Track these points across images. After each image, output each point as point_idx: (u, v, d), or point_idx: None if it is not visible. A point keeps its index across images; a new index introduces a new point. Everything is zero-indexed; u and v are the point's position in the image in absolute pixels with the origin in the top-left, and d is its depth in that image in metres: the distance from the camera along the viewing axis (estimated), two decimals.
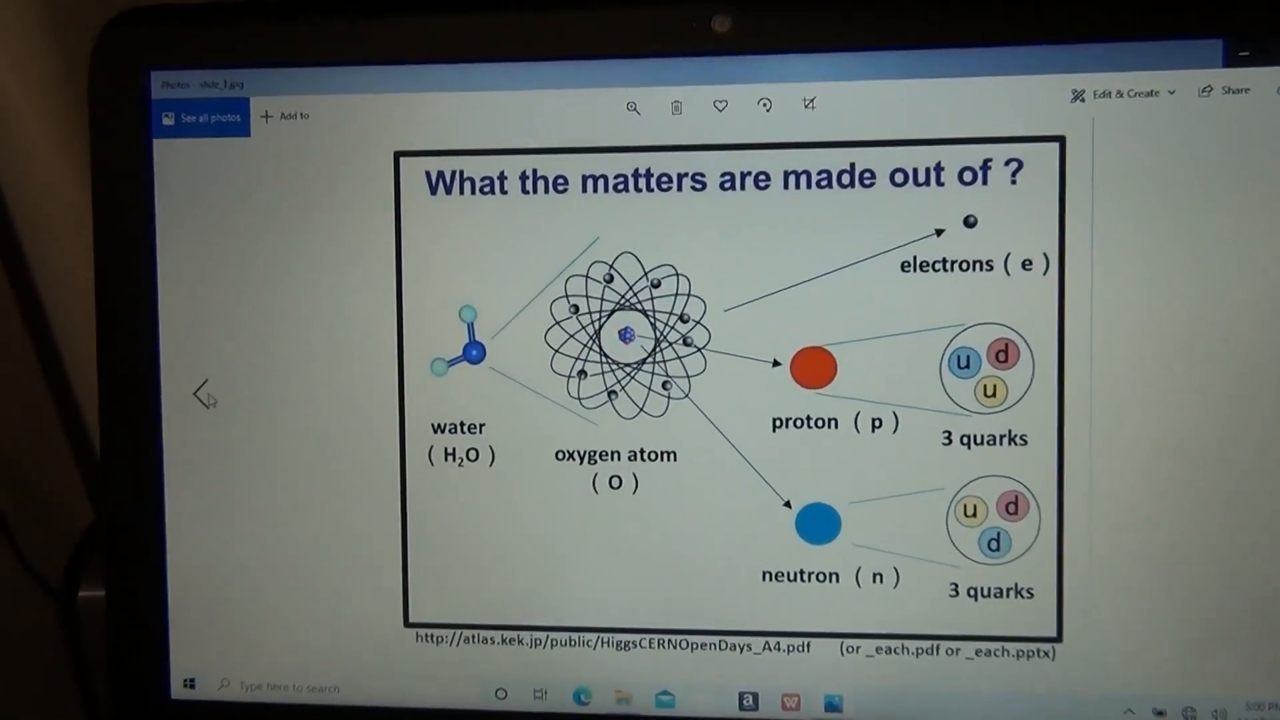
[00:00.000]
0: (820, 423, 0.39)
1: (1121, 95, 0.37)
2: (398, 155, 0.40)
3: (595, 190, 0.39)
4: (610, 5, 0.39)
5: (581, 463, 0.40)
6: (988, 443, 0.38)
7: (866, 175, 0.38)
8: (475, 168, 0.40)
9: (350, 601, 0.41)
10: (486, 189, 0.40)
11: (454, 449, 0.40)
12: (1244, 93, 0.37)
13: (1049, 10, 0.37)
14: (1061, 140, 0.38)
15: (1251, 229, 0.37)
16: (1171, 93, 0.37)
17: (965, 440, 0.39)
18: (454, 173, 0.40)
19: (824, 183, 0.38)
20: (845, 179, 0.38)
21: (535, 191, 0.40)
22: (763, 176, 0.39)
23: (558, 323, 0.40)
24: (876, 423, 0.39)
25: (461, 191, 0.40)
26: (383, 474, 0.41)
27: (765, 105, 0.39)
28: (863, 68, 0.38)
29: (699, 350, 0.39)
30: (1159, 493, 0.38)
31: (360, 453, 0.41)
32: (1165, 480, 0.38)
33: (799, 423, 0.39)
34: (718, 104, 0.39)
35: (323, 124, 0.40)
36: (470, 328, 0.40)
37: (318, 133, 0.40)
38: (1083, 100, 0.37)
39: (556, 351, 0.40)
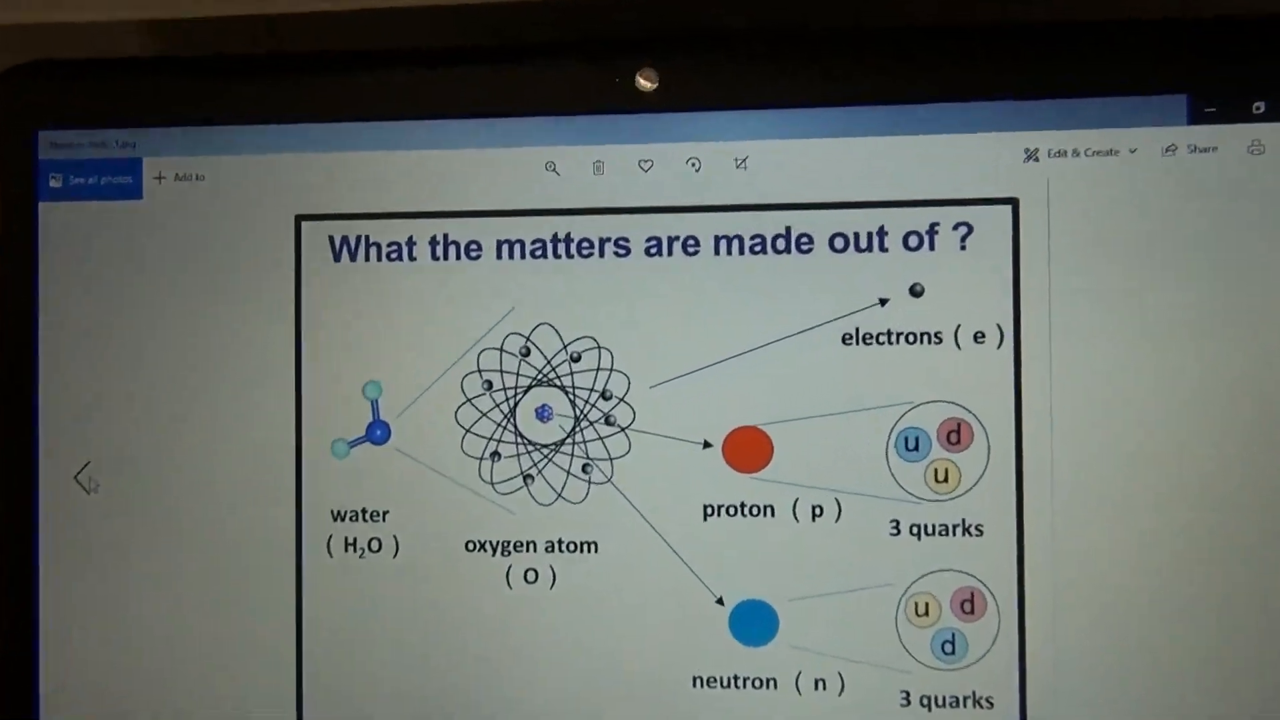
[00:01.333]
0: (755, 510, 0.35)
1: (1079, 154, 0.34)
2: (299, 219, 0.37)
3: (511, 257, 0.36)
4: (528, 61, 0.36)
5: (494, 554, 0.36)
6: (940, 533, 0.35)
7: (804, 240, 0.35)
8: (382, 232, 0.37)
9: (241, 705, 0.37)
10: (394, 255, 0.37)
11: (355, 538, 0.37)
12: (1211, 151, 0.34)
13: (999, 65, 0.35)
14: (1014, 203, 0.34)
15: (1221, 297, 0.33)
16: (1133, 151, 0.34)
17: (915, 530, 0.35)
18: (359, 238, 0.37)
19: (758, 248, 0.35)
20: (780, 244, 0.35)
21: (446, 258, 0.37)
22: (691, 241, 0.36)
23: (469, 400, 0.36)
24: (817, 511, 0.35)
25: (367, 258, 0.37)
26: (277, 566, 0.37)
27: (694, 165, 0.36)
28: (798, 125, 0.35)
29: (622, 430, 0.36)
30: (1131, 588, 0.34)
31: (253, 543, 0.37)
32: (1138, 573, 0.34)
33: (732, 510, 0.35)
34: (643, 164, 0.36)
35: (220, 186, 0.37)
36: (374, 405, 0.37)
37: (214, 195, 0.37)
38: (1036, 159, 0.34)
39: (468, 431, 0.36)
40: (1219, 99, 0.34)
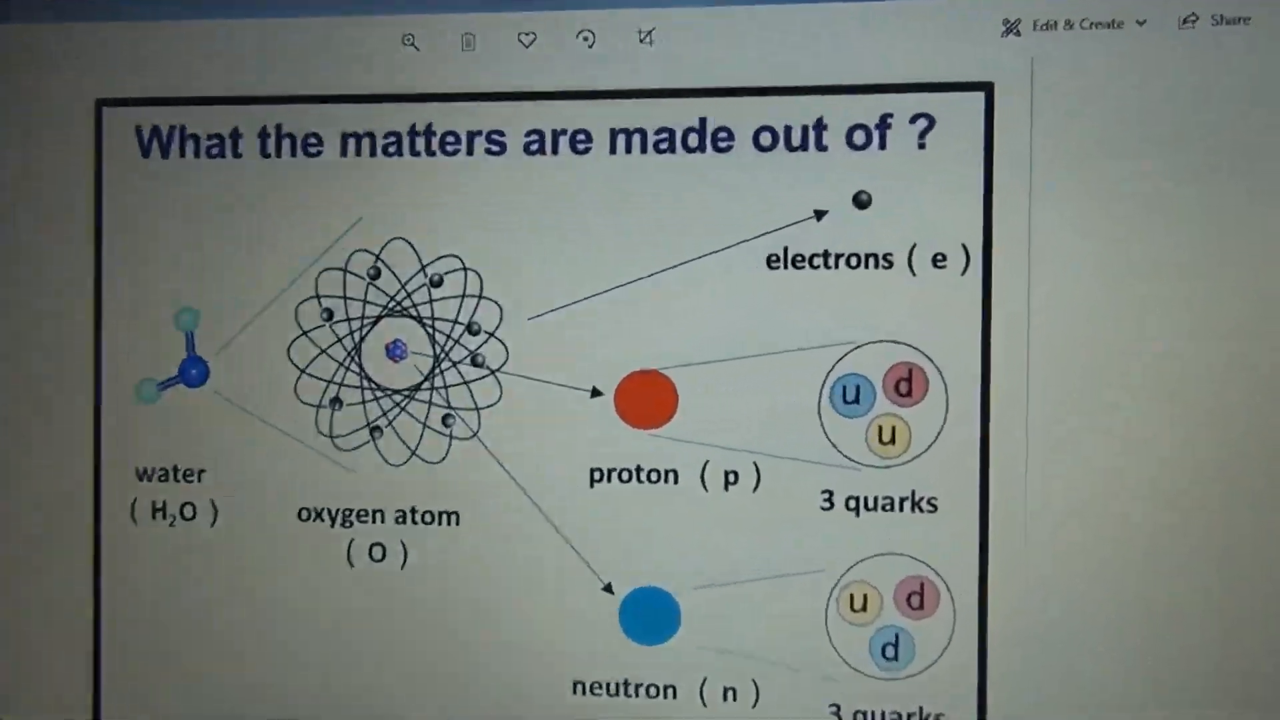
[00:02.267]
0: (655, 476, 0.28)
1: (1071, 27, 0.27)
2: (100, 104, 0.30)
3: (358, 153, 0.29)
4: None
5: (333, 524, 0.29)
6: (883, 508, 0.28)
7: (721, 135, 0.28)
8: (201, 122, 0.29)
9: (33, 702, 0.30)
10: (215, 150, 0.29)
11: (164, 503, 0.30)
12: (1243, 23, 0.26)
13: None
14: (988, 89, 0.27)
15: (1234, 223, 0.26)
16: (1140, 23, 0.26)
17: (853, 504, 0.28)
18: (173, 128, 0.30)
19: (664, 145, 0.28)
20: (693, 140, 0.28)
21: (279, 154, 0.29)
22: (582, 136, 0.28)
23: (305, 333, 0.29)
24: (731, 477, 0.28)
25: (183, 153, 0.30)
26: (71, 535, 0.30)
27: (586, 39, 0.28)
28: None
29: (492, 373, 0.29)
30: (1112, 580, 0.27)
31: (43, 504, 0.30)
32: (1121, 564, 0.27)
33: (626, 475, 0.28)
34: (523, 37, 0.28)
35: (10, 62, 0.30)
36: (189, 338, 0.29)
37: (3, 73, 0.30)
38: (1017, 33, 0.27)
39: (303, 372, 0.29)
40: None
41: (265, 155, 0.29)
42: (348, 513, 0.29)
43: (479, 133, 0.29)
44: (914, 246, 0.27)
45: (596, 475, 0.28)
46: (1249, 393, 0.26)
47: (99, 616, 0.30)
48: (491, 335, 0.29)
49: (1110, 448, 0.27)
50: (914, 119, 0.27)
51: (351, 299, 0.29)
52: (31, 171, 0.30)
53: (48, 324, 0.30)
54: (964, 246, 0.27)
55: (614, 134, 0.28)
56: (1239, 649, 0.27)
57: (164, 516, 0.30)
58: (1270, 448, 0.26)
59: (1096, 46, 0.27)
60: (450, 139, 0.29)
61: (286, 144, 0.29)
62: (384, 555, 0.29)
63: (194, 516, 0.30)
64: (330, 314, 0.29)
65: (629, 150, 0.28)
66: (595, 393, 0.28)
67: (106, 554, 0.30)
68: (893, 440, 0.28)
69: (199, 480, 0.30)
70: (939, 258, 0.27)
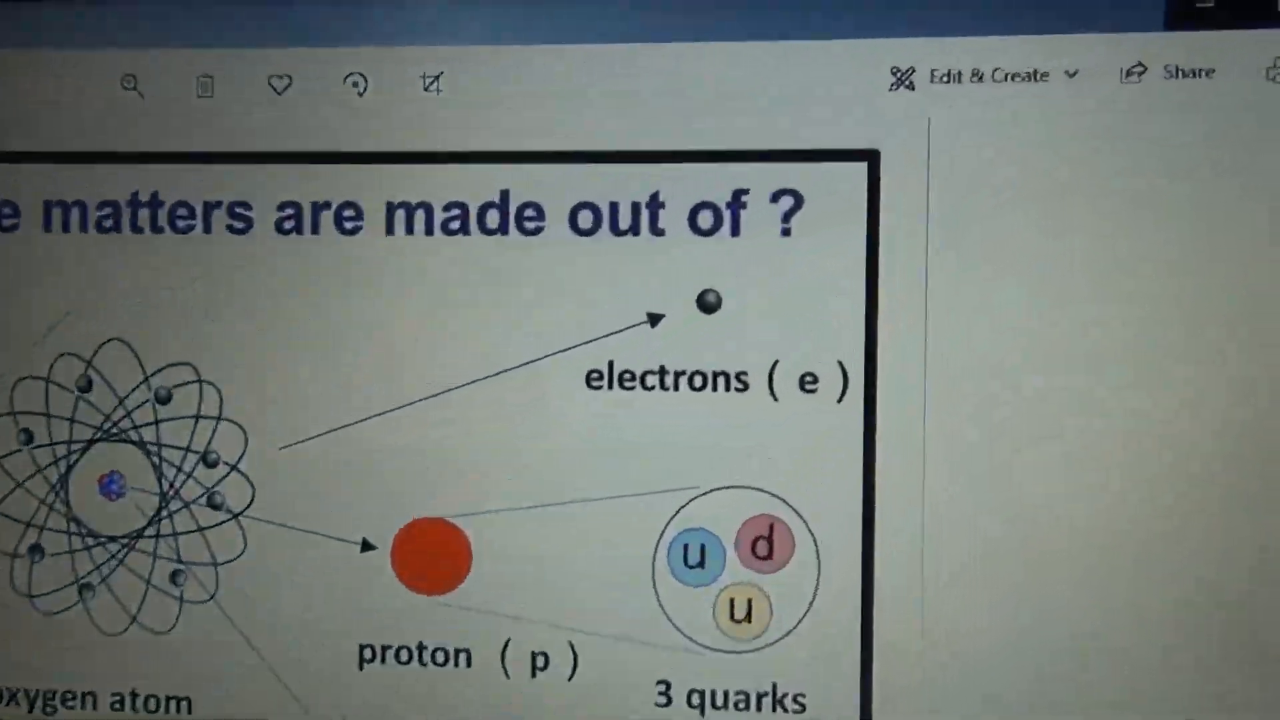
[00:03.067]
0: (442, 656, 0.22)
1: (980, 78, 0.20)
2: None
3: (65, 228, 0.22)
4: None
5: (31, 709, 0.22)
6: (737, 705, 0.21)
7: (529, 213, 0.21)
8: None
9: None
10: None
11: None
12: (1207, 76, 0.20)
13: None
14: (871, 159, 0.20)
15: (1218, 323, 0.20)
16: (1071, 75, 0.20)
17: (696, 700, 0.21)
18: None
19: (455, 224, 0.22)
20: (492, 219, 0.21)
21: None
22: (350, 212, 0.22)
23: None
24: (539, 662, 0.21)
25: None
26: None
27: (356, 84, 0.22)
28: (520, 22, 0.21)
29: (234, 517, 0.22)
30: None
31: None
32: None
33: (405, 654, 0.22)
34: (275, 81, 0.22)
35: None
36: None
37: None
38: (910, 85, 0.20)
39: None
40: None
41: None
42: (49, 695, 0.22)
43: (218, 204, 0.22)
44: (775, 364, 0.21)
45: (367, 654, 0.22)
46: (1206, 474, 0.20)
47: None
48: (233, 468, 0.22)
49: (1022, 625, 0.20)
50: (776, 196, 0.21)
51: (56, 417, 0.22)
52: None
53: None
54: (840, 364, 0.21)
55: (391, 209, 0.22)
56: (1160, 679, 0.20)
57: None
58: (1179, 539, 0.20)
59: (1013, 105, 0.20)
60: (181, 211, 0.22)
61: None
62: None
63: None
64: (29, 436, 0.23)
65: (410, 230, 0.22)
66: (366, 546, 0.22)
67: None
68: (748, 617, 0.21)
69: None
70: (808, 379, 0.21)
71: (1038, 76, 0.20)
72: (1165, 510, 0.20)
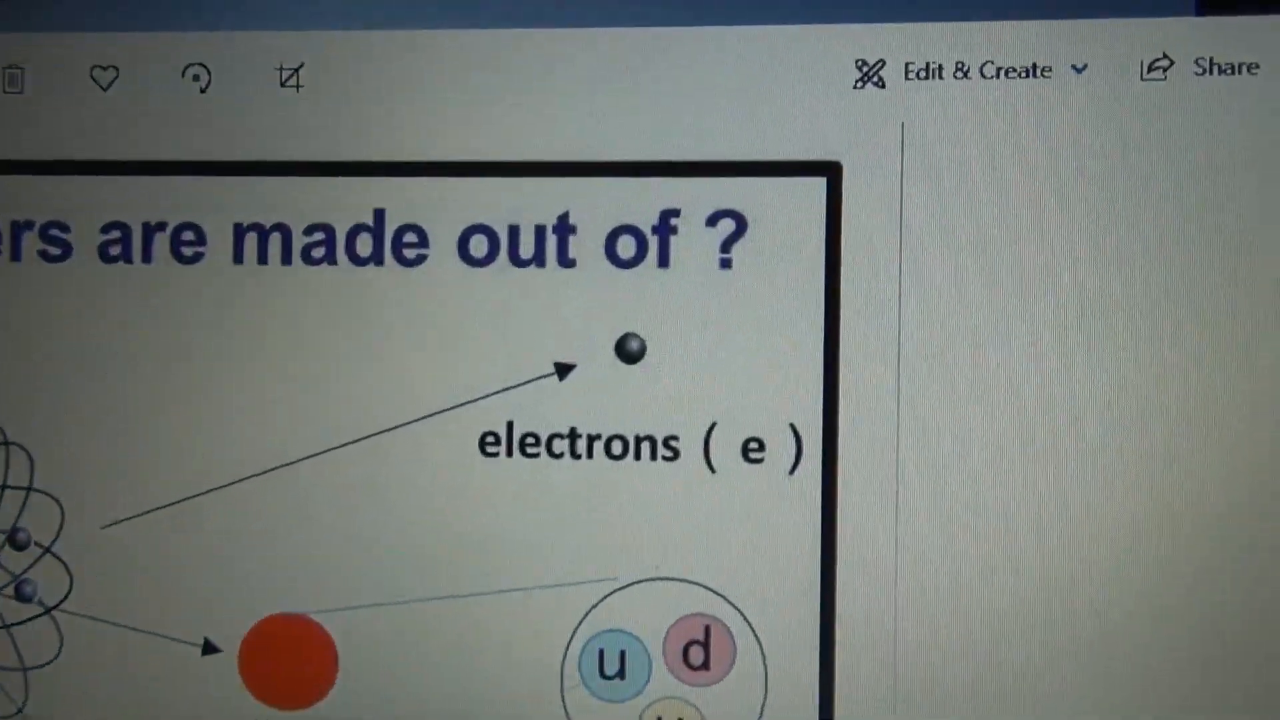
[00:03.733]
0: None
1: (965, 74, 0.16)
2: None
3: None
4: None
5: None
6: None
7: (409, 238, 0.17)
8: None
9: None
10: None
11: None
12: (1247, 72, 0.16)
13: None
14: (832, 172, 0.16)
15: (1234, 360, 0.16)
16: (1079, 70, 0.16)
17: None
18: None
19: (319, 252, 0.17)
20: (363, 245, 0.17)
21: None
22: (190, 234, 0.18)
23: None
24: None
25: None
26: None
27: (197, 78, 0.17)
28: (401, 4, 0.17)
29: (47, 611, 0.18)
30: None
31: None
32: None
33: None
34: (96, 74, 0.18)
35: None
36: None
37: None
38: (879, 83, 0.16)
39: None
40: None
41: None
42: None
43: (28, 225, 0.18)
44: (713, 426, 0.17)
45: None
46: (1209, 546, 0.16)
47: None
48: (47, 550, 0.18)
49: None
50: (713, 219, 0.17)
51: None
52: None
53: None
54: (793, 427, 0.17)
55: (240, 231, 0.18)
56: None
57: None
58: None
59: (1003, 105, 0.16)
60: None
61: None
62: None
63: None
64: None
65: (263, 258, 0.18)
66: (209, 648, 0.18)
67: None
68: None
69: None
70: (752, 445, 0.17)
71: (1038, 72, 0.16)
72: (1146, 559, 0.16)
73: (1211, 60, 0.16)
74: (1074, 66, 0.16)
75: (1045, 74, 0.16)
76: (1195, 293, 0.16)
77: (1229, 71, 0.16)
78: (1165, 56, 0.16)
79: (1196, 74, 0.16)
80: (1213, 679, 0.16)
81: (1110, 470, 0.16)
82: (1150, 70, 0.16)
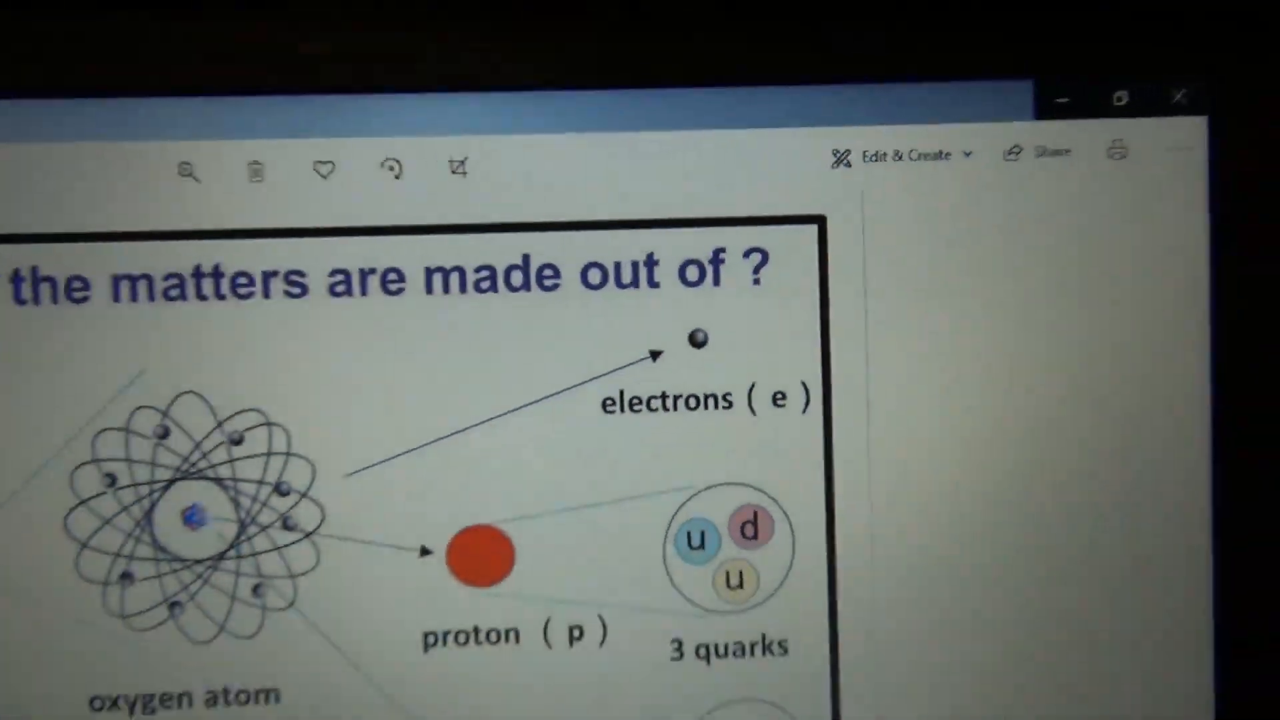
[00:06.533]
0: (494, 636, 0.26)
1: (900, 158, 0.26)
2: None
3: (135, 299, 0.25)
4: (146, 15, 0.25)
5: (132, 712, 0.26)
6: (734, 654, 0.27)
7: (547, 273, 0.26)
8: None
9: None
10: None
11: None
12: (1064, 155, 0.26)
13: (798, 38, 0.26)
14: (820, 222, 0.26)
15: (1080, 337, 0.26)
16: (968, 154, 0.26)
17: (703, 652, 0.27)
18: None
19: (485, 284, 0.26)
20: (516, 278, 0.26)
21: (37, 301, 0.25)
22: (393, 275, 0.26)
23: (83, 502, 0.26)
24: (576, 633, 0.27)
25: None
26: None
27: (392, 169, 0.26)
28: (534, 115, 0.26)
29: (307, 536, 0.26)
30: (968, 688, 0.27)
31: None
32: (972, 695, 0.27)
33: (463, 638, 0.26)
34: (320, 167, 0.25)
35: None
36: None
37: None
38: (848, 164, 0.26)
39: (85, 546, 0.26)
40: (1072, 86, 0.26)
41: (20, 302, 0.25)
42: (148, 699, 0.26)
43: (275, 273, 0.26)
44: (753, 386, 0.26)
45: (431, 639, 0.26)
46: (1081, 461, 0.27)
47: None
48: (304, 496, 0.26)
49: (957, 584, 0.27)
50: (748, 253, 0.26)
51: (137, 462, 0.26)
52: None
53: None
54: (804, 384, 0.26)
55: (429, 273, 0.26)
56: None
57: None
58: (1117, 520, 0.27)
59: (926, 178, 0.26)
60: (242, 280, 0.26)
61: (45, 289, 0.25)
62: None
63: None
64: (113, 479, 0.26)
65: (447, 290, 0.26)
66: (424, 551, 0.26)
67: None
68: (741, 584, 0.27)
69: None
70: (779, 396, 0.26)
71: (943, 155, 0.26)
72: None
73: (1044, 148, 0.26)
74: (965, 152, 0.26)
75: (947, 157, 0.26)
76: (1041, 297, 0.27)
77: (1054, 154, 0.26)
78: (1017, 145, 0.26)
79: (1036, 156, 0.26)
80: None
81: (1020, 409, 0.27)
82: (1009, 154, 0.26)
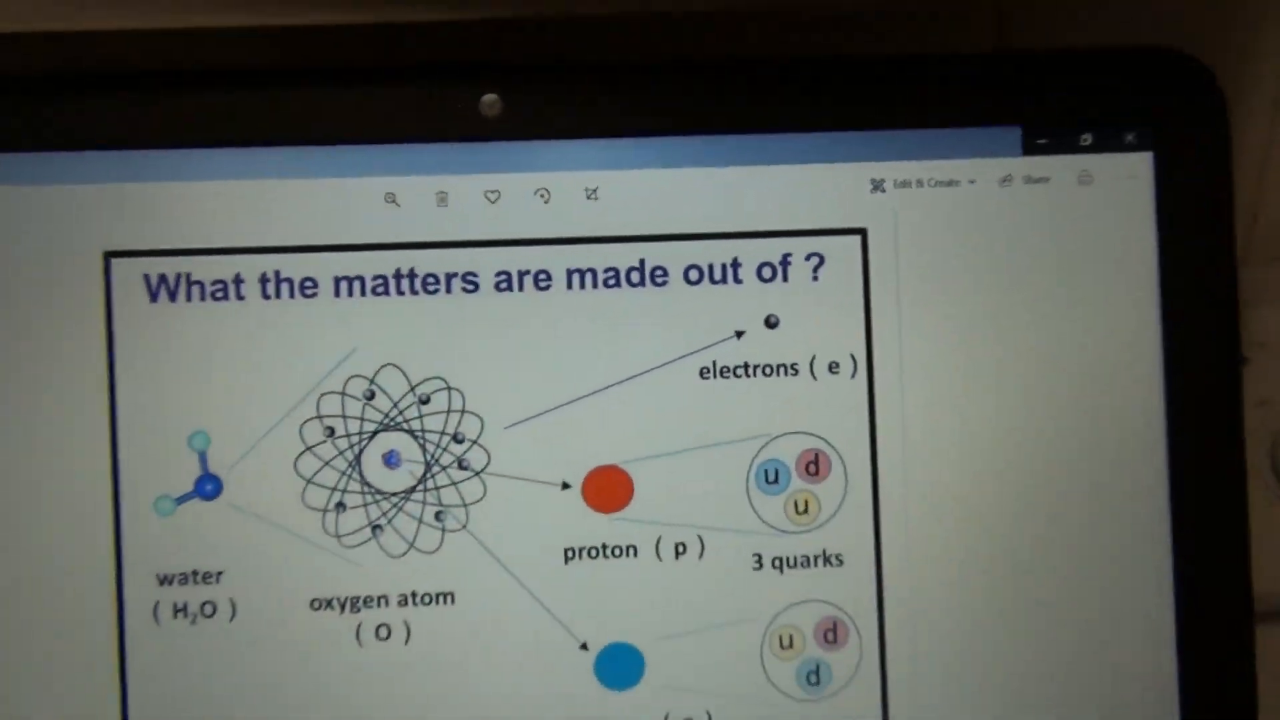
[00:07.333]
0: (618, 551, 0.34)
1: (922, 185, 0.35)
2: (108, 256, 0.34)
3: (350, 294, 0.34)
4: (363, 85, 0.34)
5: (343, 611, 0.34)
6: (801, 565, 0.35)
7: (658, 273, 0.34)
8: (205, 270, 0.34)
9: None
10: (219, 294, 0.34)
11: (185, 603, 0.34)
12: (1045, 182, 0.35)
13: (844, 96, 0.35)
14: (863, 233, 0.35)
15: (1060, 321, 0.35)
16: (972, 182, 0.35)
17: (777, 563, 0.35)
18: (179, 276, 0.34)
19: (611, 281, 0.34)
20: (635, 277, 0.34)
21: (279, 296, 0.34)
22: (543, 275, 0.34)
23: (309, 448, 0.34)
24: (680, 549, 0.34)
25: (189, 298, 0.34)
26: (96, 638, 0.33)
27: (543, 196, 0.34)
28: (649, 155, 0.34)
29: (477, 474, 0.34)
30: (986, 611, 0.35)
31: (69, 614, 0.33)
32: (992, 595, 0.35)
33: (594, 552, 0.34)
34: (489, 195, 0.34)
35: (17, 221, 0.33)
36: (202, 457, 0.34)
37: (11, 232, 0.33)
38: (883, 190, 0.35)
39: (309, 482, 0.34)
40: (1049, 131, 0.35)
41: (266, 297, 0.34)
42: (355, 600, 0.34)
43: (455, 274, 0.34)
44: (814, 357, 0.35)
45: (569, 554, 0.34)
46: (1093, 452, 0.35)
47: (126, 714, 0.34)
48: (475, 443, 0.34)
49: (979, 505, 0.34)
50: (809, 257, 0.35)
51: (350, 417, 0.34)
52: (46, 320, 0.33)
53: (69, 451, 0.33)
54: (852, 356, 0.35)
55: (570, 273, 0.34)
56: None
57: (186, 615, 0.34)
58: (1117, 513, 0.35)
59: (941, 199, 0.35)
60: (430, 280, 0.34)
61: (285, 287, 0.34)
62: (389, 635, 0.34)
63: (214, 614, 0.34)
64: (331, 431, 0.34)
65: (582, 286, 0.34)
66: (565, 486, 0.34)
67: (131, 655, 0.34)
68: (806, 511, 0.35)
69: (218, 581, 0.34)
70: (834, 365, 0.35)
71: (954, 183, 0.35)
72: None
73: (1030, 176, 0.35)
74: (970, 180, 0.35)
75: (954, 184, 0.35)
76: (1030, 295, 0.35)
77: (1037, 181, 0.35)
78: (1009, 175, 0.35)
79: (1024, 183, 0.35)
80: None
81: (1017, 394, 0.35)
82: (1003, 182, 0.35)
